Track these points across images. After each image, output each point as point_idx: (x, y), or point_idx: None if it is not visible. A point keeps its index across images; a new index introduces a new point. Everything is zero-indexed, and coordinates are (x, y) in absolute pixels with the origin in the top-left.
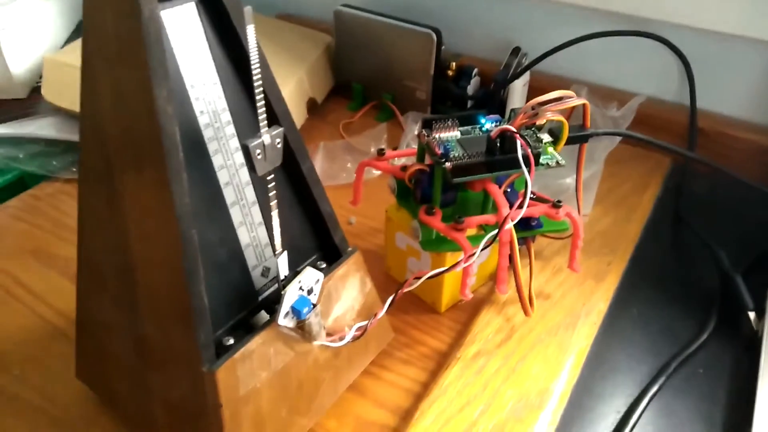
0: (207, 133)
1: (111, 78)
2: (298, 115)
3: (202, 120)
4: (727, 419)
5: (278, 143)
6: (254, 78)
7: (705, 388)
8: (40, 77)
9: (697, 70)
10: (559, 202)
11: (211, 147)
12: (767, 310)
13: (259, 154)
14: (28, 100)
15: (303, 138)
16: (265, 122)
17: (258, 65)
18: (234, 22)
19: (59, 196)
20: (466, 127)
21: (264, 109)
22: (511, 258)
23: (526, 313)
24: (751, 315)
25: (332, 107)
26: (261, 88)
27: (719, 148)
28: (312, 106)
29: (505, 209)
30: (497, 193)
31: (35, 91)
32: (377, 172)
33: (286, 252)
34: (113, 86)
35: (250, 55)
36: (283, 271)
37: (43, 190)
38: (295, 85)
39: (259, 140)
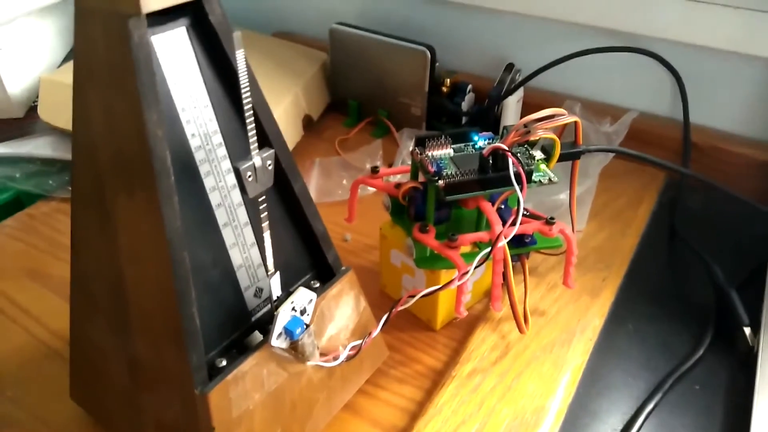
0: (198, 156)
1: (102, 102)
2: (293, 132)
3: (194, 142)
4: None
5: (269, 165)
6: (244, 101)
7: (701, 404)
8: (37, 97)
9: (689, 86)
10: (552, 219)
11: (203, 169)
12: (762, 326)
13: (250, 177)
14: (25, 120)
15: (298, 154)
16: (256, 144)
17: (248, 89)
18: (224, 45)
19: (55, 215)
20: (459, 145)
21: (254, 131)
22: (504, 275)
23: (520, 330)
24: (747, 330)
25: (328, 124)
26: (251, 112)
27: (713, 163)
28: (308, 123)
29: (498, 226)
30: (490, 210)
31: (32, 110)
32: (372, 189)
33: (278, 273)
34: (104, 110)
35: (240, 79)
36: (276, 291)
37: (39, 209)
38: (290, 102)
39: (250, 163)
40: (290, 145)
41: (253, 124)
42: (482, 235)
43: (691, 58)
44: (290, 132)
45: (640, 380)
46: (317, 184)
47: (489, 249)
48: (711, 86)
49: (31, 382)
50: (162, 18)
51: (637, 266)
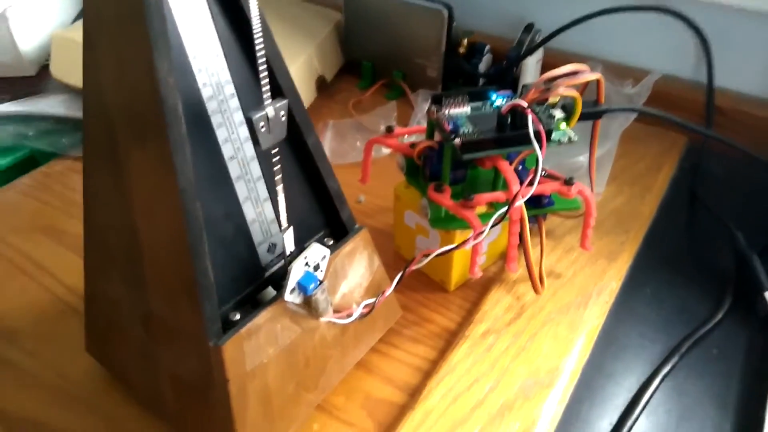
0: (210, 106)
1: (112, 51)
2: (307, 93)
3: (205, 92)
4: (740, 400)
5: (282, 116)
6: (257, 48)
7: (718, 368)
8: (50, 54)
9: (714, 47)
10: (571, 179)
11: (215, 120)
12: None
13: (263, 127)
14: (38, 78)
15: (312, 116)
16: (269, 94)
17: (261, 36)
18: None
19: (69, 174)
20: (476, 103)
21: (267, 80)
22: (521, 236)
23: (536, 291)
24: (767, 295)
25: (342, 85)
26: (264, 59)
27: (737, 127)
28: (321, 85)
29: (515, 186)
30: (507, 169)
31: (44, 68)
32: (387, 151)
33: (291, 228)
34: (114, 59)
35: (253, 25)
36: (289, 246)
37: (53, 168)
38: (303, 62)
39: (263, 113)
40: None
41: (266, 73)
42: (499, 195)
43: (717, 18)
44: (303, 93)
45: (656, 343)
46: (331, 146)
47: (506, 209)
48: (737, 48)
49: (48, 337)
50: None
51: (657, 231)
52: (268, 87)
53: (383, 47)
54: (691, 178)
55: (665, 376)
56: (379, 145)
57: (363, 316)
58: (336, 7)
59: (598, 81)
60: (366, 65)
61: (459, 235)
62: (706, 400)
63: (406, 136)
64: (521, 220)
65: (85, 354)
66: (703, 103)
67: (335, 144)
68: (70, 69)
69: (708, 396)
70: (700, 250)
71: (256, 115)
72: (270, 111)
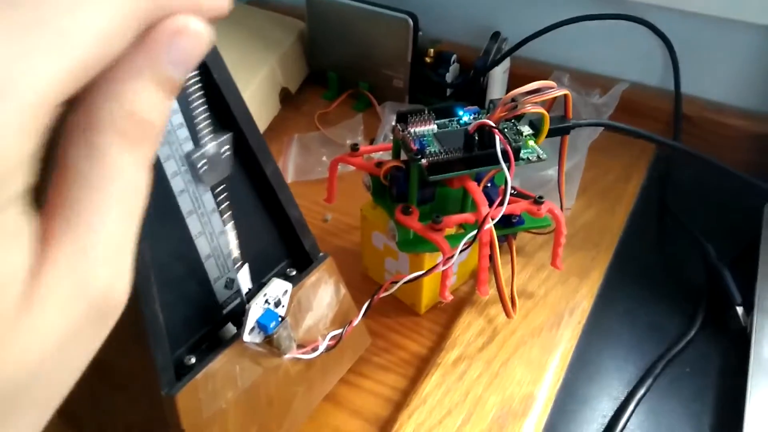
0: None
1: None
2: (270, 106)
3: None
4: (717, 419)
5: (225, 152)
6: (190, 84)
7: (693, 388)
8: None
9: (681, 54)
10: (540, 198)
11: (162, 153)
12: (755, 305)
13: (203, 165)
14: None
15: (276, 130)
16: (210, 129)
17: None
18: None
19: None
20: (443, 120)
21: (207, 114)
22: (491, 258)
23: (508, 315)
24: (739, 310)
25: (307, 97)
26: (198, 86)
27: (705, 135)
28: (285, 97)
29: (484, 208)
30: (476, 190)
31: None
32: (352, 167)
33: (246, 265)
34: None
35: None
36: (245, 285)
37: None
38: (266, 74)
39: (201, 150)
40: (267, 121)
41: (205, 106)
42: (468, 217)
43: (683, 25)
44: (266, 106)
45: (630, 364)
46: (296, 161)
47: (475, 232)
48: (703, 55)
49: None
50: None
51: (627, 244)
52: (208, 122)
53: (349, 57)
54: (660, 187)
55: (640, 399)
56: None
57: (330, 348)
58: (299, 16)
59: (565, 96)
60: (332, 76)
61: (428, 258)
62: (682, 420)
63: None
64: (491, 243)
65: None
66: (671, 111)
67: (300, 160)
68: None
69: (684, 416)
70: (670, 264)
71: (195, 155)
72: (210, 148)
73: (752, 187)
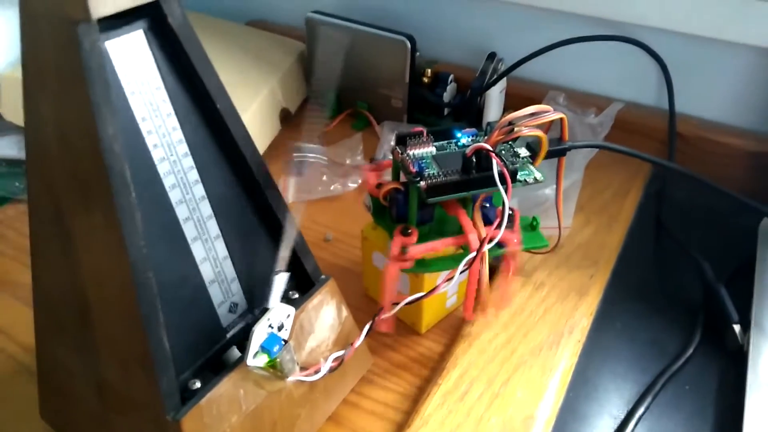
0: (162, 168)
1: (54, 113)
2: (270, 126)
3: (156, 154)
4: None
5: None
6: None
7: (692, 405)
8: (0, 95)
9: (675, 74)
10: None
11: (168, 182)
12: (752, 323)
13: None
14: None
15: (276, 150)
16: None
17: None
18: (186, 48)
19: (23, 219)
20: (441, 142)
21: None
22: (479, 286)
23: (465, 312)
24: (736, 328)
25: (306, 117)
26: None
27: (699, 153)
28: (285, 117)
29: (472, 235)
30: (465, 221)
31: None
32: (354, 185)
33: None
34: (56, 122)
35: (206, 84)
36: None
37: (6, 213)
38: (267, 95)
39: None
40: (267, 141)
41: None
42: (436, 245)
43: (677, 46)
44: (267, 127)
45: (629, 381)
46: (296, 181)
47: (462, 265)
48: (697, 75)
49: (0, 400)
50: (116, 21)
51: (625, 262)
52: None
53: (347, 78)
54: (656, 204)
55: (640, 417)
56: (347, 181)
57: (332, 370)
58: (299, 37)
59: (561, 119)
60: (331, 96)
61: (428, 279)
62: None
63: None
64: (480, 273)
65: (40, 419)
66: (666, 129)
67: (301, 179)
68: (22, 110)
69: None
70: (668, 281)
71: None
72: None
73: (747, 205)
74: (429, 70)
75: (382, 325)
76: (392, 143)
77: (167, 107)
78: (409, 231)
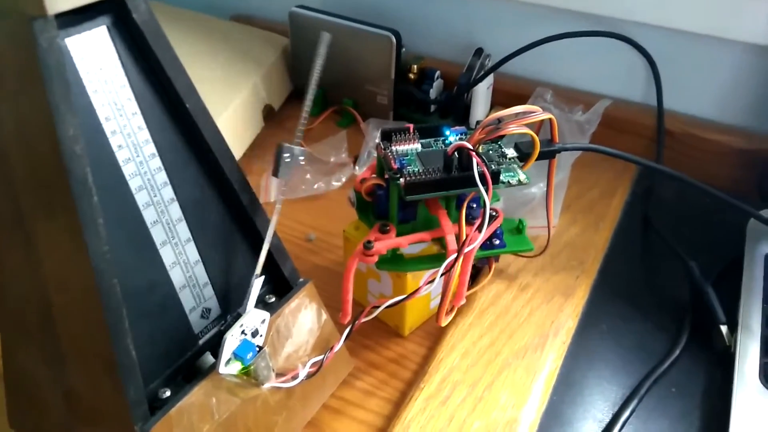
0: (127, 170)
1: (14, 114)
2: (253, 123)
3: (121, 155)
4: None
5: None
6: None
7: (678, 408)
8: None
9: (663, 70)
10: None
11: (134, 183)
12: (739, 323)
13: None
14: None
15: (259, 147)
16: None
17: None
18: (152, 45)
19: None
20: (428, 140)
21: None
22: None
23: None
24: (723, 329)
25: (290, 113)
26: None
27: (688, 150)
28: (268, 114)
29: (450, 237)
30: (445, 222)
31: None
32: (338, 184)
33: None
34: (16, 123)
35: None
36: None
37: None
38: (249, 91)
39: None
40: (250, 138)
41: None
42: (400, 241)
43: (665, 42)
44: (249, 124)
45: (615, 384)
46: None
47: (442, 268)
48: (685, 71)
49: None
50: (77, 17)
51: (611, 262)
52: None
53: (332, 74)
54: (644, 203)
55: (626, 420)
56: (330, 179)
57: (310, 375)
58: (283, 32)
59: (550, 120)
60: (316, 92)
61: (411, 280)
62: None
63: (357, 168)
64: (461, 277)
65: (10, 430)
66: (654, 126)
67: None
68: None
69: None
70: (654, 281)
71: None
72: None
73: (733, 203)
74: (415, 66)
75: (342, 318)
76: (377, 139)
77: (133, 106)
78: (387, 228)
